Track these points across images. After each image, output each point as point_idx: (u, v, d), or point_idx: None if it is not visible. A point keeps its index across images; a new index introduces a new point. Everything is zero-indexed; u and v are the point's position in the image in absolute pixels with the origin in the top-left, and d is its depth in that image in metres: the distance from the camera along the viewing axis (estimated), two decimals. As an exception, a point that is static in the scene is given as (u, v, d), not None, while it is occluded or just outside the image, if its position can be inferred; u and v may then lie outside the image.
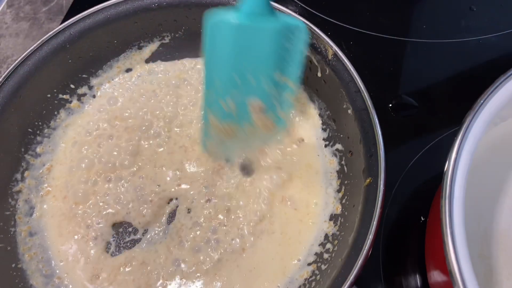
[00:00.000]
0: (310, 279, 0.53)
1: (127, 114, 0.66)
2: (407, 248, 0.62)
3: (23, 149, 0.62)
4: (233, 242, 0.57)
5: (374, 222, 0.46)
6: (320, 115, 0.63)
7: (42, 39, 0.61)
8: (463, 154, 0.45)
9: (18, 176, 0.61)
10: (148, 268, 0.56)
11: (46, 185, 0.62)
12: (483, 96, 0.46)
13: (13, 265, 0.56)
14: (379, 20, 0.78)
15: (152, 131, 0.65)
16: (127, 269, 0.57)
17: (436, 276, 0.51)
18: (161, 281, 0.56)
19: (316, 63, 0.59)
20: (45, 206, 0.61)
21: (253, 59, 0.52)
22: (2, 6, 0.85)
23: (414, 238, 0.61)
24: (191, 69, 0.70)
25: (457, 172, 0.43)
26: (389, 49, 0.75)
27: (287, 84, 0.55)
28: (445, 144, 0.64)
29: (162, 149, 0.63)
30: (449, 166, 0.43)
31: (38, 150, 0.63)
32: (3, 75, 0.59)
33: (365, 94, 0.53)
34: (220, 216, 0.58)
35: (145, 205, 0.60)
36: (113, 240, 0.59)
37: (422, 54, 0.74)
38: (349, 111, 0.55)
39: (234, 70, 0.52)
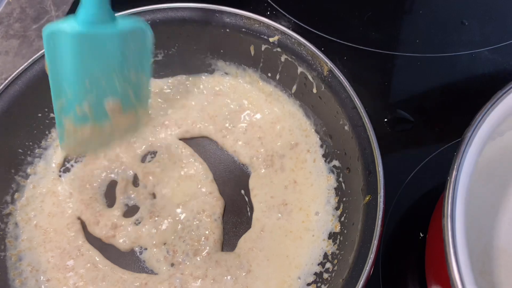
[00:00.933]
0: (311, 300, 0.52)
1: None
2: (406, 265, 0.61)
3: (13, 170, 0.60)
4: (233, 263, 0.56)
5: (375, 241, 0.46)
6: (316, 131, 0.62)
7: (32, 58, 0.60)
8: (463, 170, 0.44)
9: (8, 198, 0.59)
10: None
11: (35, 207, 0.61)
12: (481, 112, 0.46)
13: (3, 292, 0.54)
14: (372, 35, 0.78)
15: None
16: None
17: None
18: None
19: (312, 80, 0.59)
20: (33, 230, 0.59)
21: (100, 64, 0.51)
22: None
23: (413, 254, 0.60)
24: (183, 83, 0.69)
25: (458, 190, 0.43)
26: (382, 64, 0.75)
27: (141, 79, 0.56)
28: (441, 158, 0.63)
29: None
30: (449, 184, 0.43)
31: (28, 171, 0.62)
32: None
33: (362, 110, 0.53)
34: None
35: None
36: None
37: (415, 68, 0.74)
38: (346, 128, 0.55)
39: (82, 77, 0.51)
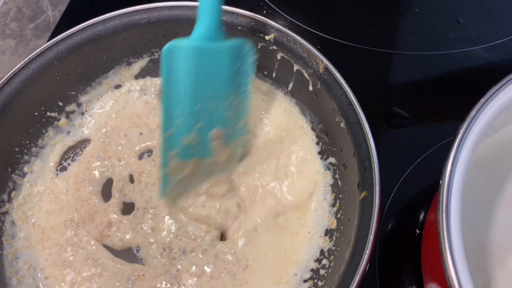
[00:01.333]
0: (307, 297, 0.52)
1: (117, 131, 0.65)
2: (403, 261, 0.61)
3: (9, 169, 0.60)
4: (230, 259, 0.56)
5: (371, 237, 0.46)
6: (312, 128, 0.62)
7: (29, 56, 0.60)
8: (458, 166, 0.45)
9: (5, 196, 0.59)
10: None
11: (32, 205, 0.61)
12: (476, 108, 0.46)
13: (0, 290, 0.54)
14: (368, 34, 0.78)
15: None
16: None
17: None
18: None
19: (308, 77, 0.59)
20: (31, 228, 0.60)
21: (210, 82, 0.54)
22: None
23: (409, 251, 0.60)
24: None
25: (453, 185, 0.43)
26: (378, 62, 0.75)
27: (242, 105, 0.57)
28: (437, 155, 0.64)
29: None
30: (444, 179, 0.43)
31: (25, 169, 0.62)
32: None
33: (358, 107, 0.53)
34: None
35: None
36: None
37: (411, 66, 0.74)
38: (342, 125, 0.55)
39: (194, 98, 0.54)
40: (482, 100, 0.47)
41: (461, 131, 0.45)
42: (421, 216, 0.63)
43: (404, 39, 0.78)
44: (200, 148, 0.56)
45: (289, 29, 0.60)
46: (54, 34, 0.82)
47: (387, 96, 0.71)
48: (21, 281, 0.56)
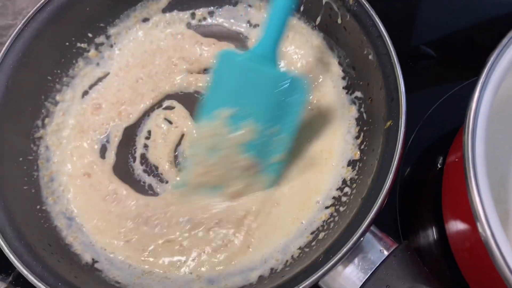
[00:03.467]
0: (329, 221, 0.54)
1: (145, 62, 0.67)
2: (422, 201, 0.62)
3: (43, 97, 0.63)
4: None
5: (395, 162, 0.47)
6: (339, 63, 0.62)
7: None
8: (485, 94, 0.45)
9: (39, 122, 0.62)
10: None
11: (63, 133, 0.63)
12: (500, 45, 0.46)
13: (38, 207, 0.57)
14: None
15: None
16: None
17: (453, 225, 0.52)
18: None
19: (337, 9, 0.59)
20: (64, 154, 0.62)
21: (252, 98, 0.54)
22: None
23: (430, 185, 0.61)
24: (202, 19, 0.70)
25: (480, 110, 0.43)
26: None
27: (281, 143, 0.56)
28: (462, 94, 0.64)
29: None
30: (471, 104, 0.43)
31: (57, 98, 0.64)
32: (22, 22, 0.59)
33: (387, 39, 0.53)
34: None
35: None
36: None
37: (440, 3, 0.72)
38: (370, 57, 0.55)
39: (233, 105, 0.54)
40: (505, 40, 0.46)
41: (491, 59, 0.45)
42: (441, 157, 0.63)
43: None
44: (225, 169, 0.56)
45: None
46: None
47: (415, 34, 0.70)
48: (56, 201, 0.59)
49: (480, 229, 0.39)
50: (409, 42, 0.69)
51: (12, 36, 0.59)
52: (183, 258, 0.55)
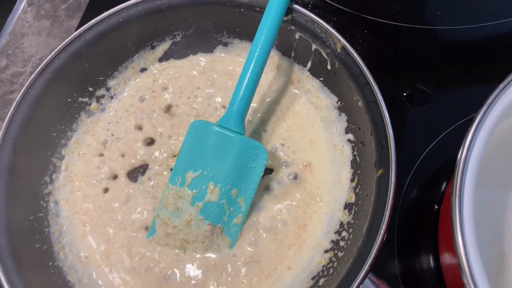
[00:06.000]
0: (328, 266, 0.56)
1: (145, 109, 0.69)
2: (421, 232, 0.63)
3: (49, 153, 0.65)
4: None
5: (387, 213, 0.49)
6: (332, 106, 0.64)
7: (57, 48, 0.62)
8: (475, 146, 0.46)
9: (47, 178, 0.64)
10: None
11: (70, 188, 0.66)
12: (496, 90, 0.46)
13: (50, 263, 0.60)
14: (393, 8, 0.76)
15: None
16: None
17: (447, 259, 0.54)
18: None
19: (326, 56, 0.60)
20: (70, 205, 0.65)
21: (218, 162, 0.58)
22: (23, 5, 0.87)
23: (428, 225, 0.62)
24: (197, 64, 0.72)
25: (468, 169, 0.44)
26: (403, 37, 0.74)
27: (240, 206, 0.60)
28: (460, 132, 0.64)
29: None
30: (458, 166, 0.44)
31: (63, 152, 0.67)
32: (26, 85, 0.61)
33: (374, 86, 0.55)
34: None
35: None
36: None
37: (436, 41, 0.73)
38: (360, 103, 0.57)
39: (199, 167, 0.59)
40: (506, 80, 0.47)
41: (482, 110, 0.46)
42: (442, 189, 0.64)
43: (430, 13, 0.76)
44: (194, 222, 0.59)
45: (313, 5, 0.59)
46: (85, 14, 0.84)
47: (411, 72, 0.71)
48: (67, 255, 0.62)
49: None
50: (405, 81, 0.69)
51: (17, 99, 0.61)
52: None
